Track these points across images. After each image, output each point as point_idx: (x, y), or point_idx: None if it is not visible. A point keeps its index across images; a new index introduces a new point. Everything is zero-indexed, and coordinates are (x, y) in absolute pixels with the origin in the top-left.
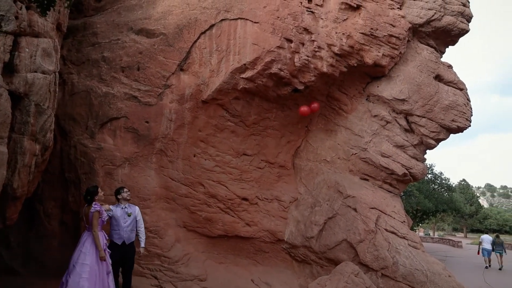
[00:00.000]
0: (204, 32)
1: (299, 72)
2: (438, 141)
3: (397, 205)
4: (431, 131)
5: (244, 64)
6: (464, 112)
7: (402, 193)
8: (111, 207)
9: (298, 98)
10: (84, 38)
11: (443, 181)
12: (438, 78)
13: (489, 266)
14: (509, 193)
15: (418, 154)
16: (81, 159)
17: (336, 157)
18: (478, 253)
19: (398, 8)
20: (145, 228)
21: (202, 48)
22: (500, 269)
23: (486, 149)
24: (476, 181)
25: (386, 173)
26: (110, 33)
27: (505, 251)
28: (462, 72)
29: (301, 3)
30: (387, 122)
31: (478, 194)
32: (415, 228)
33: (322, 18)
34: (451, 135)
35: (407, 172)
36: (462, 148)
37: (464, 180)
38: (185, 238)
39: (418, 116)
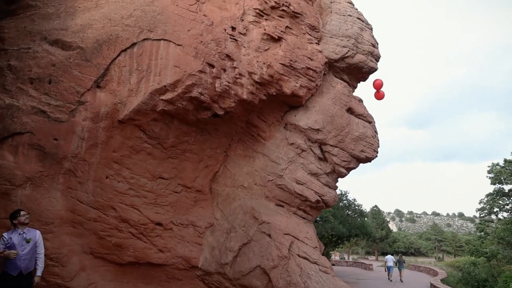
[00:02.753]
0: (125, 50)
1: (220, 97)
2: (348, 169)
3: (310, 231)
4: (342, 160)
5: (165, 86)
6: (372, 144)
7: (319, 218)
8: (4, 234)
9: (218, 123)
10: None
11: (356, 207)
12: (350, 110)
13: (391, 280)
14: (415, 218)
15: (330, 182)
16: None
17: (253, 183)
18: (385, 270)
19: (316, 43)
20: (45, 255)
21: (122, 66)
22: (401, 281)
23: (396, 177)
24: (387, 207)
25: (300, 199)
26: (20, 41)
27: (404, 266)
28: (375, 106)
29: (225, 30)
30: (303, 150)
31: (388, 219)
32: (330, 252)
33: (244, 47)
34: (361, 164)
35: (320, 199)
36: (375, 175)
37: (376, 206)
38: (92, 266)
39: (331, 145)
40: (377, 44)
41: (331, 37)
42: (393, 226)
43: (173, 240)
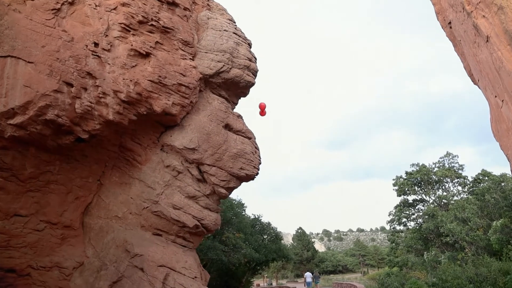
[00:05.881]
0: None
1: (82, 119)
2: (229, 189)
3: (189, 260)
4: (221, 180)
5: (13, 109)
6: (251, 160)
7: (232, 246)
8: None
9: (86, 148)
10: None
11: (271, 231)
12: (227, 127)
13: None
14: (342, 236)
15: (211, 204)
16: None
17: (128, 212)
18: (304, 285)
19: (190, 58)
20: None
21: None
22: None
23: (321, 198)
24: (315, 228)
25: (178, 226)
26: None
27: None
28: (295, 130)
29: (87, 46)
30: (179, 173)
31: (316, 240)
32: (251, 279)
33: (109, 63)
34: (246, 183)
35: (198, 223)
36: (301, 198)
37: (300, 228)
38: None
39: (209, 165)
40: (255, 58)
41: (206, 52)
42: (321, 247)
43: None
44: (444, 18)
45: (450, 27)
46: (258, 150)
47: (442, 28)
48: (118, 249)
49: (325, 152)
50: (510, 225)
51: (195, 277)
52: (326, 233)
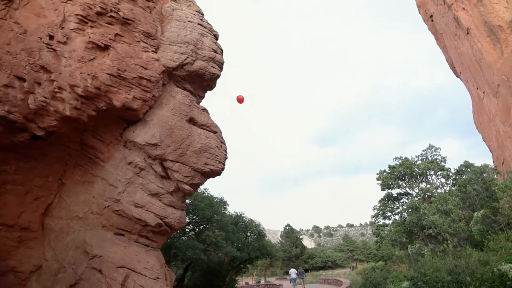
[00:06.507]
0: None
1: (36, 115)
2: (193, 186)
3: (151, 260)
4: (185, 176)
5: None
6: (216, 155)
7: (212, 244)
8: None
9: (44, 146)
10: None
11: (254, 228)
12: (192, 121)
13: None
14: (332, 232)
15: (175, 202)
16: None
17: (89, 212)
18: (290, 281)
19: (153, 51)
20: None
21: None
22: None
23: (311, 195)
24: (305, 225)
25: (140, 225)
26: None
27: (304, 276)
28: (286, 126)
29: (41, 38)
30: (141, 169)
31: (306, 236)
32: (235, 277)
33: (65, 57)
34: (213, 178)
35: (161, 222)
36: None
37: (288, 225)
38: None
39: (172, 160)
40: (221, 50)
41: (169, 44)
42: (311, 243)
43: None
44: (426, 12)
45: (432, 20)
46: (224, 144)
47: (424, 21)
48: (77, 251)
49: (315, 149)
50: (491, 216)
51: (157, 277)
52: (316, 229)
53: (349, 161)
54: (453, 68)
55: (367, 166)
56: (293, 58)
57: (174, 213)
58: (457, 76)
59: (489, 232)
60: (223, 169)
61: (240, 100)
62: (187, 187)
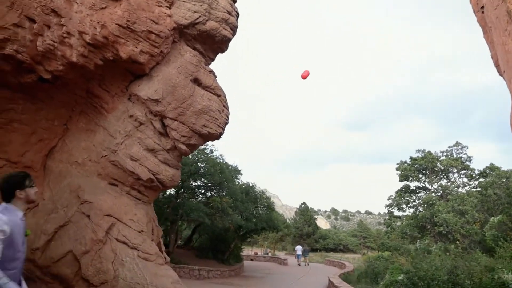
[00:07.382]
0: None
1: (44, 58)
2: (190, 146)
3: (139, 213)
4: (182, 135)
5: None
6: (216, 118)
7: (220, 211)
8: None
9: (51, 90)
10: None
11: (264, 200)
12: (196, 81)
13: (300, 265)
14: (349, 217)
15: (170, 160)
16: None
17: (88, 159)
18: (295, 257)
19: (167, 6)
20: None
21: None
22: (307, 265)
23: (334, 177)
24: (323, 206)
25: (133, 178)
26: None
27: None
28: (317, 110)
29: None
30: (141, 124)
31: (322, 217)
32: (240, 245)
33: (77, 3)
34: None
35: (153, 177)
36: (314, 175)
37: (304, 203)
38: None
39: (171, 118)
40: (236, 12)
41: (184, 1)
42: (326, 224)
43: None
44: (477, 2)
45: (482, 12)
46: (227, 109)
47: (474, 12)
48: (71, 194)
49: (345, 133)
50: (508, 223)
51: (142, 230)
52: (334, 211)
53: (376, 149)
54: (497, 65)
55: (394, 156)
56: (338, 42)
57: (168, 170)
58: (500, 74)
59: (502, 239)
60: (221, 133)
61: (305, 76)
62: (183, 147)
